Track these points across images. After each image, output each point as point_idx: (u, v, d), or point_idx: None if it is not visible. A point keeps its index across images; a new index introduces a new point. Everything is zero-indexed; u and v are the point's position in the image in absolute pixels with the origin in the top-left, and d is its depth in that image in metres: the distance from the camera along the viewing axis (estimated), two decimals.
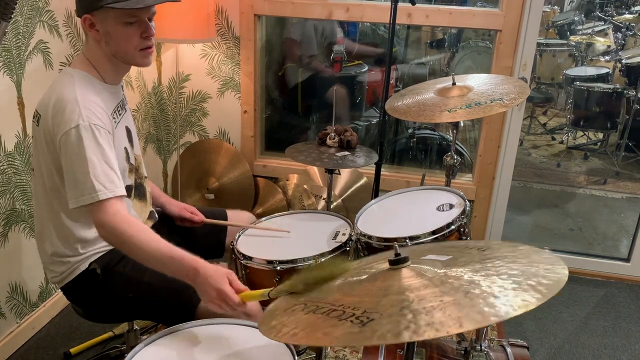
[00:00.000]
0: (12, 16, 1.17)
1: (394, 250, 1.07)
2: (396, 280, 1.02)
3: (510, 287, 0.92)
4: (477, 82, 2.12)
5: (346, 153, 2.29)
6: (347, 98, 3.53)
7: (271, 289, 1.26)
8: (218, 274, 1.33)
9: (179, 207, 1.89)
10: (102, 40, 1.52)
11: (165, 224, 1.87)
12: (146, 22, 1.54)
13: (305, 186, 2.96)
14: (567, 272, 0.94)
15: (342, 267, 1.20)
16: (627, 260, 3.01)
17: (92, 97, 1.49)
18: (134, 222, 1.43)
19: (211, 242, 1.94)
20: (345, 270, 1.21)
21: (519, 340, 2.26)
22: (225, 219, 1.97)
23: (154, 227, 1.77)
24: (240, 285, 1.34)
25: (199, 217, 1.89)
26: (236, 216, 2.02)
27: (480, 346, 1.67)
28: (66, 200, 1.44)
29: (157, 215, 1.85)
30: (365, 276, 1.11)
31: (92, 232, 1.57)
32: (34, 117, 1.55)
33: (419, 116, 1.98)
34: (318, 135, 2.39)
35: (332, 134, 2.33)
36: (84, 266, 1.59)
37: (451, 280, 0.96)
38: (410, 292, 0.96)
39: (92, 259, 1.60)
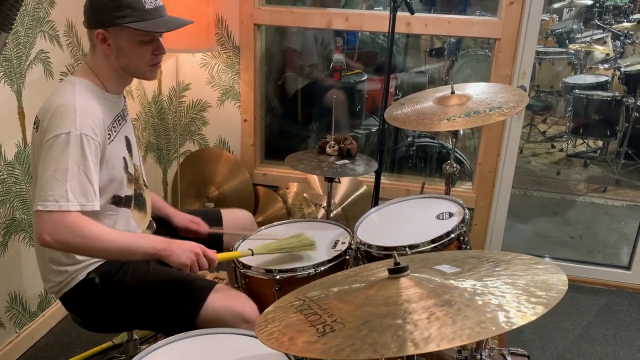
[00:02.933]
0: (13, 27, 1.17)
1: (394, 259, 1.07)
2: (391, 290, 1.02)
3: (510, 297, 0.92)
4: (476, 90, 2.13)
5: (346, 161, 2.30)
6: (346, 106, 3.54)
7: (247, 251, 1.70)
8: (187, 241, 1.55)
9: (185, 220, 1.90)
10: (113, 55, 1.54)
11: (164, 229, 1.87)
12: (159, 40, 1.57)
13: (305, 195, 2.96)
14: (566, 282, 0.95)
15: (308, 244, 1.75)
16: (628, 268, 3.00)
17: (93, 106, 1.50)
18: (95, 223, 1.45)
19: (209, 242, 1.95)
20: (310, 248, 1.75)
21: (519, 350, 2.26)
22: (220, 218, 2.00)
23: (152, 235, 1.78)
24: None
25: (204, 228, 1.90)
26: (232, 215, 2.03)
27: (481, 355, 1.66)
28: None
29: (155, 225, 1.85)
30: (364, 283, 1.11)
31: None
32: (34, 124, 1.55)
33: (417, 125, 1.99)
34: (318, 143, 2.40)
35: (332, 143, 2.33)
36: (82, 276, 1.59)
37: (447, 296, 0.96)
38: (397, 305, 0.96)
39: (91, 269, 1.60)
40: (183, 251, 1.50)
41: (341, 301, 1.05)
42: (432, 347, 0.81)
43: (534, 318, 0.85)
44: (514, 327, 0.83)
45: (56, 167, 1.40)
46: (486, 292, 0.95)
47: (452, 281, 1.02)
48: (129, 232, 1.63)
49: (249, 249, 1.71)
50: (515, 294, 0.92)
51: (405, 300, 0.97)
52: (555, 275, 0.99)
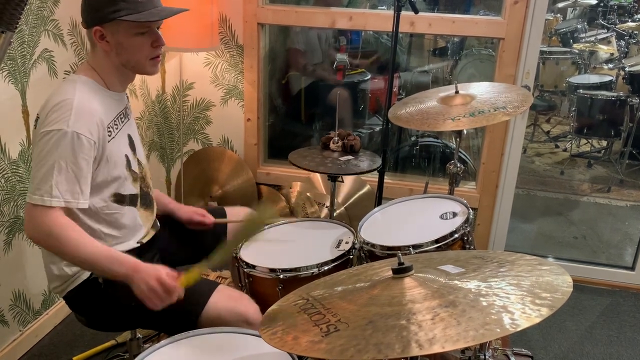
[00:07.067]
0: (18, 25, 1.17)
1: (398, 259, 1.07)
2: (395, 290, 1.02)
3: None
4: (480, 90, 2.12)
5: (350, 157, 2.29)
6: (350, 105, 3.54)
7: (205, 263, 1.46)
8: (155, 267, 1.43)
9: (189, 212, 1.91)
10: (113, 51, 1.54)
11: (168, 227, 1.88)
12: (156, 31, 1.57)
13: (308, 194, 2.96)
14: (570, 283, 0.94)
15: (267, 215, 1.68)
16: (632, 268, 2.99)
17: (92, 104, 1.50)
18: (76, 228, 1.46)
19: (213, 242, 1.95)
20: (270, 217, 1.69)
21: (523, 350, 2.26)
22: (225, 217, 1.99)
23: (155, 234, 1.78)
24: (174, 273, 1.44)
25: (209, 219, 1.91)
26: (235, 213, 2.03)
27: (485, 355, 1.66)
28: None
29: (159, 224, 1.85)
30: (369, 283, 1.11)
31: None
32: (35, 121, 1.56)
33: (422, 125, 1.98)
34: (321, 139, 2.39)
35: (336, 138, 2.33)
36: (86, 275, 1.59)
37: (451, 296, 0.96)
38: (401, 305, 0.96)
39: None
40: (147, 280, 1.41)
41: (345, 301, 1.05)
42: (436, 349, 0.81)
43: (538, 320, 0.84)
44: (519, 329, 0.83)
45: (44, 162, 1.42)
46: (490, 293, 0.94)
47: (456, 282, 1.02)
48: (107, 248, 1.52)
49: (204, 261, 1.49)
50: (520, 296, 0.92)
51: (410, 300, 0.96)
52: (560, 277, 0.98)
